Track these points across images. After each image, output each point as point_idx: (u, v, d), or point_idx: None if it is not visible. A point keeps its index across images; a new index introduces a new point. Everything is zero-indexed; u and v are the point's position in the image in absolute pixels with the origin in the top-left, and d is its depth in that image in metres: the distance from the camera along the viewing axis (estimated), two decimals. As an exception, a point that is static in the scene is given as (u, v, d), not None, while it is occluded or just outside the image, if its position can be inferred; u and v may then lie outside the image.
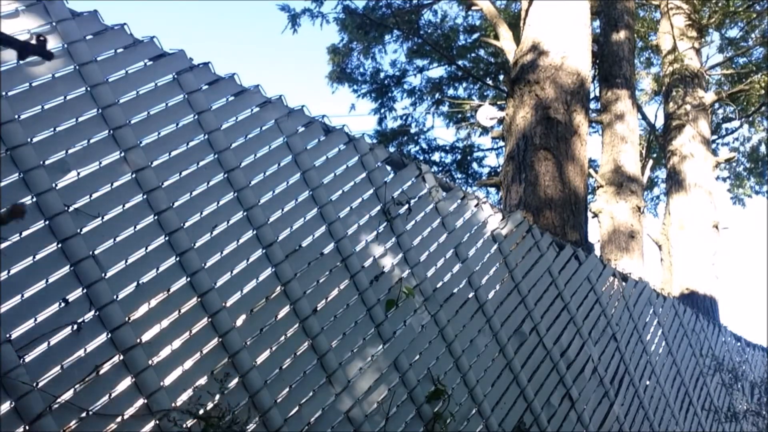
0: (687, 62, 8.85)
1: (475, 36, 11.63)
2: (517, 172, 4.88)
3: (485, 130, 11.78)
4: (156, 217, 1.89)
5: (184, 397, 1.82)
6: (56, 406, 1.59)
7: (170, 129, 2.00)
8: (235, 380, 1.93)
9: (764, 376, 5.02)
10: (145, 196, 1.89)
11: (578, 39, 5.45)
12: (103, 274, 1.74)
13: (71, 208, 1.73)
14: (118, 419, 1.68)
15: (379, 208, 2.51)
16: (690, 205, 8.13)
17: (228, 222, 2.06)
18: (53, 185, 1.71)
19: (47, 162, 1.72)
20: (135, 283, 1.81)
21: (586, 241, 4.86)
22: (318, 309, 2.20)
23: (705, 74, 9.49)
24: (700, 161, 8.40)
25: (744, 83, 10.05)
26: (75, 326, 1.67)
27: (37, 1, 1.80)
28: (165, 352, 1.82)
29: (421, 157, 11.83)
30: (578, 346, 3.17)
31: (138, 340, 1.76)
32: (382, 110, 11.91)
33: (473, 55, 12.06)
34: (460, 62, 11.68)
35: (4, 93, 1.68)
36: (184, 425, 1.79)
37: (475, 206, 2.93)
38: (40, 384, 1.58)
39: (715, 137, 11.82)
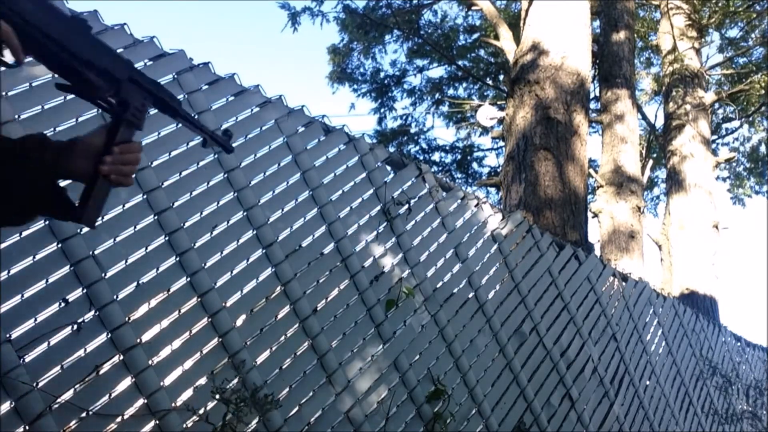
0: (687, 62, 8.85)
1: (475, 36, 11.64)
2: (517, 172, 4.88)
3: (485, 130, 11.78)
4: (156, 217, 1.89)
5: (184, 397, 1.82)
6: (56, 406, 1.59)
7: (170, 129, 2.00)
8: (235, 380, 1.93)
9: (764, 376, 5.02)
10: (145, 196, 1.89)
11: (578, 39, 5.44)
12: (103, 274, 1.74)
13: (71, 208, 1.73)
14: (118, 419, 1.68)
15: (379, 208, 2.51)
16: (690, 205, 8.13)
17: (228, 222, 2.06)
18: (53, 185, 1.71)
19: (47, 162, 1.73)
20: (135, 283, 1.81)
21: (586, 241, 4.86)
22: (318, 309, 2.20)
23: (705, 74, 9.48)
24: (700, 161, 8.40)
25: (744, 83, 10.05)
26: (75, 326, 1.67)
27: (37, 1, 1.80)
28: (165, 352, 1.82)
29: (421, 157, 11.83)
30: (578, 346, 3.17)
31: (138, 340, 1.76)
32: (382, 110, 11.91)
33: (473, 55, 12.06)
34: (460, 62, 11.68)
35: (4, 93, 1.68)
36: (185, 425, 1.79)
37: (475, 206, 2.93)
38: (40, 384, 1.58)
39: (715, 137, 11.82)
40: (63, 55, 0.83)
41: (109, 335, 1.72)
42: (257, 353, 2.01)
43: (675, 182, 8.45)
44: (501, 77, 11.47)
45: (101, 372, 1.68)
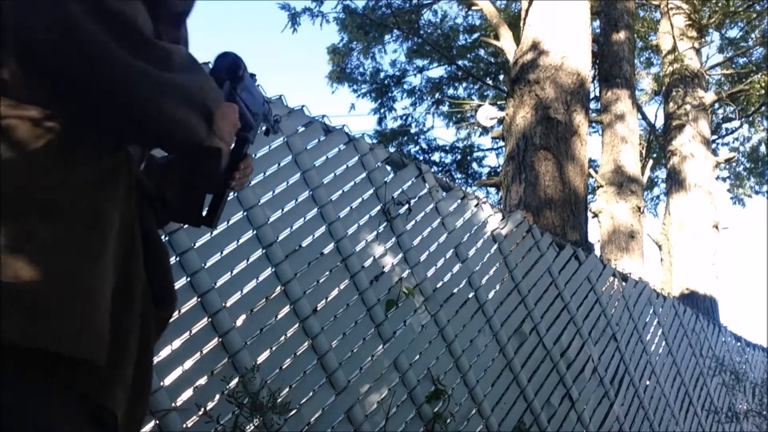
0: (687, 62, 8.85)
1: (475, 36, 11.63)
2: (517, 172, 4.88)
3: (485, 130, 11.78)
4: (156, 217, 1.89)
5: (184, 396, 1.82)
6: (56, 406, 1.59)
7: (170, 129, 2.00)
8: (235, 380, 1.93)
9: (764, 376, 5.02)
10: (145, 196, 1.89)
11: (578, 39, 5.45)
12: (103, 274, 1.74)
13: (71, 208, 1.73)
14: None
15: (379, 208, 2.51)
16: (690, 205, 8.13)
17: (228, 222, 2.06)
18: (53, 185, 1.71)
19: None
20: (135, 283, 1.81)
21: (586, 241, 4.86)
22: (318, 309, 2.20)
23: (705, 74, 9.49)
24: (700, 161, 8.40)
25: (744, 83, 10.05)
26: (75, 326, 1.66)
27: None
28: (165, 352, 1.81)
29: (421, 157, 11.83)
30: (578, 346, 3.17)
31: (138, 340, 1.76)
32: (382, 110, 11.91)
33: (473, 55, 12.06)
34: (460, 62, 11.68)
35: (4, 93, 1.68)
36: (185, 425, 1.79)
37: (475, 206, 2.93)
38: (40, 384, 1.58)
39: (715, 137, 11.82)
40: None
41: (109, 335, 1.71)
42: (257, 353, 2.01)
43: (675, 182, 8.45)
44: (501, 77, 11.47)
45: (101, 372, 1.68)
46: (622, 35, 7.70)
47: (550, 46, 5.34)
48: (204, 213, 1.01)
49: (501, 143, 10.25)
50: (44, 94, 0.72)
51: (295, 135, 2.32)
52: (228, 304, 1.97)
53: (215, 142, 0.87)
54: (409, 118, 12.18)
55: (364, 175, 2.51)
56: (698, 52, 9.37)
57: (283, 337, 2.09)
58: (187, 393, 1.83)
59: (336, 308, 2.25)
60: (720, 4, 9.52)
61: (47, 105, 0.72)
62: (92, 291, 0.71)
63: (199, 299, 1.91)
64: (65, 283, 0.69)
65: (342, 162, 2.46)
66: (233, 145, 1.00)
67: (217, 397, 1.88)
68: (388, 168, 2.65)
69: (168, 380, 1.80)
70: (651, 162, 13.21)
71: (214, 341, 1.92)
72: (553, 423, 2.89)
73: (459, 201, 2.87)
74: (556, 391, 2.96)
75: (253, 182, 2.15)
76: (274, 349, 2.05)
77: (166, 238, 1.89)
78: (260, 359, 2.01)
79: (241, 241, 2.07)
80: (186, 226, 1.94)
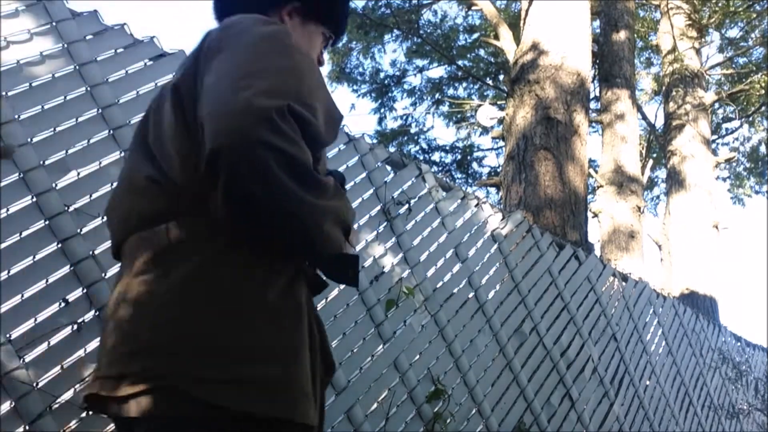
0: (687, 62, 8.85)
1: (475, 36, 11.63)
2: (517, 172, 4.88)
3: (485, 130, 11.78)
4: (156, 217, 1.89)
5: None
6: (56, 406, 1.59)
7: (170, 129, 2.00)
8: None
9: (764, 376, 5.02)
10: (145, 196, 1.88)
11: (578, 39, 5.44)
12: (103, 274, 1.74)
13: (71, 208, 1.73)
14: (118, 419, 1.68)
15: (379, 208, 2.51)
16: (690, 205, 8.13)
17: (228, 222, 2.05)
18: (53, 185, 1.71)
19: (47, 162, 1.72)
20: (135, 283, 1.81)
21: (586, 241, 4.86)
22: (318, 309, 2.20)
23: (705, 74, 9.49)
24: (700, 161, 8.40)
25: (744, 83, 10.05)
26: (75, 326, 1.66)
27: (37, 1, 1.80)
28: (165, 352, 1.81)
29: (421, 157, 11.83)
30: (578, 346, 3.17)
31: (138, 340, 1.76)
32: (382, 110, 11.91)
33: (473, 55, 12.06)
34: (460, 62, 11.68)
35: (4, 93, 1.68)
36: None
37: (475, 206, 2.93)
38: (40, 384, 1.58)
39: (715, 137, 11.82)
40: None
41: (109, 335, 1.71)
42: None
43: (675, 182, 8.45)
44: (501, 77, 11.47)
45: (101, 372, 1.68)
46: (622, 35, 7.70)
47: (550, 46, 5.34)
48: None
49: (501, 143, 10.26)
50: (236, 220, 0.95)
51: (295, 135, 2.32)
52: (228, 304, 1.97)
53: (350, 250, 1.09)
54: (409, 118, 12.18)
55: (364, 174, 2.51)
56: (698, 52, 9.37)
57: (283, 337, 2.09)
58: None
59: (336, 308, 2.25)
60: (720, 4, 9.53)
61: (240, 226, 0.97)
62: (307, 373, 0.96)
63: (199, 299, 1.91)
64: (296, 369, 0.94)
65: (342, 162, 2.46)
66: None
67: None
68: (388, 168, 2.65)
69: (168, 380, 1.80)
70: (651, 162, 13.22)
71: (214, 341, 1.92)
72: (553, 423, 2.89)
73: (459, 201, 2.87)
74: (556, 391, 2.96)
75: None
76: (274, 349, 2.05)
77: (166, 238, 1.89)
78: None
79: (241, 241, 2.06)
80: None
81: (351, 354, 2.24)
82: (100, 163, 1.83)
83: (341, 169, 2.45)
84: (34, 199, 1.68)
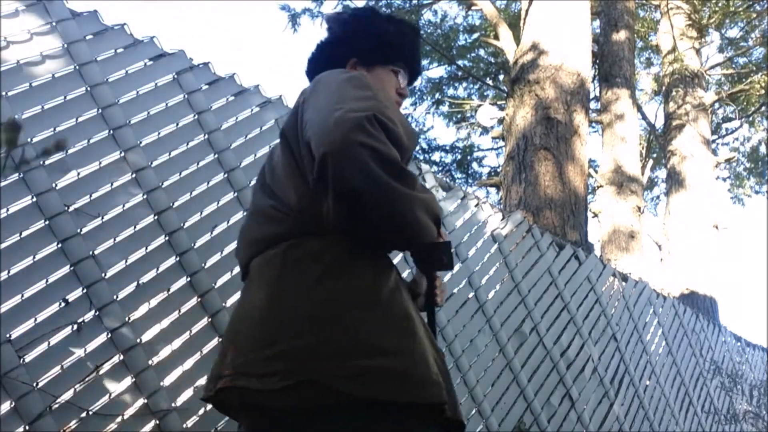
0: (687, 62, 8.85)
1: (475, 36, 11.63)
2: (517, 172, 4.88)
3: (485, 130, 11.78)
4: (156, 217, 1.89)
5: (185, 397, 1.82)
6: (56, 406, 1.59)
7: (170, 129, 2.00)
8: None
9: (764, 376, 5.02)
10: (145, 196, 1.88)
11: (578, 39, 5.44)
12: (103, 274, 1.74)
13: (71, 208, 1.73)
14: (118, 419, 1.68)
15: (379, 208, 2.50)
16: (690, 205, 8.13)
17: (228, 222, 2.06)
18: (53, 185, 1.71)
19: (47, 162, 1.72)
20: (135, 283, 1.81)
21: (586, 241, 4.86)
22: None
23: (705, 74, 9.49)
24: (700, 161, 8.40)
25: (744, 83, 10.05)
26: (75, 326, 1.67)
27: (37, 1, 1.80)
28: (165, 352, 1.81)
29: (421, 157, 11.82)
30: (578, 346, 3.17)
31: (138, 340, 1.76)
32: (383, 110, 11.87)
33: (473, 55, 12.05)
34: (460, 62, 11.67)
35: (4, 93, 1.68)
36: (185, 425, 1.79)
37: (475, 206, 2.93)
38: (40, 384, 1.58)
39: (715, 137, 11.82)
40: None
41: (109, 335, 1.72)
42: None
43: (675, 182, 8.45)
44: (501, 77, 11.47)
45: (101, 372, 1.68)
46: (622, 35, 7.70)
47: (550, 46, 5.34)
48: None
49: (501, 143, 10.25)
50: (345, 220, 1.13)
51: (295, 135, 2.32)
52: (228, 304, 1.97)
53: (444, 237, 1.30)
54: (409, 118, 12.16)
55: (364, 175, 2.50)
56: (698, 52, 9.37)
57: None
58: (187, 393, 1.83)
59: (336, 308, 2.25)
60: (720, 4, 9.53)
61: (344, 228, 1.15)
62: (426, 360, 1.10)
63: (199, 299, 1.91)
64: (422, 359, 1.09)
65: (342, 162, 2.45)
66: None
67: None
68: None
69: (168, 380, 1.80)
70: (651, 162, 13.21)
71: (214, 341, 1.92)
72: (553, 423, 2.89)
73: (459, 201, 2.87)
74: (556, 391, 2.96)
75: (253, 182, 2.15)
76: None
77: (166, 238, 1.89)
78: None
79: (241, 241, 2.06)
80: (185, 225, 1.95)
81: (351, 354, 2.24)
82: (100, 163, 1.83)
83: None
84: (34, 199, 1.68)
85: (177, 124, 2.02)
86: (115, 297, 1.75)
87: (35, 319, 1.62)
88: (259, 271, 1.21)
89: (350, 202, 1.10)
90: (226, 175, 2.09)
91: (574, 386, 3.05)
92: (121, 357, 1.72)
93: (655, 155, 13.04)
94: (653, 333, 3.89)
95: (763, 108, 10.65)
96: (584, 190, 4.96)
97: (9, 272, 1.61)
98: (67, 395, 1.62)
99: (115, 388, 1.70)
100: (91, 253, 1.73)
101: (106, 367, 1.70)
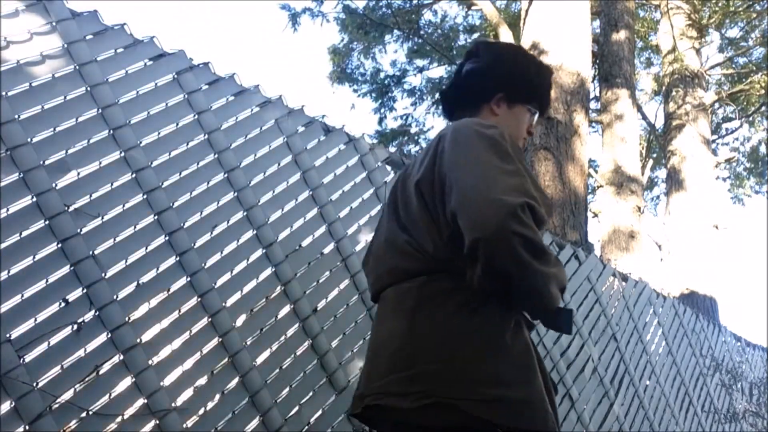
0: (687, 62, 8.85)
1: (475, 36, 11.63)
2: (517, 172, 4.87)
3: (485, 130, 11.74)
4: (156, 217, 1.89)
5: (184, 397, 1.82)
6: (56, 406, 1.59)
7: (170, 129, 2.00)
8: (236, 380, 1.92)
9: (764, 376, 5.02)
10: (145, 196, 1.88)
11: (578, 39, 5.45)
12: (103, 274, 1.74)
13: (71, 208, 1.73)
14: (118, 419, 1.68)
15: (379, 208, 2.51)
16: (690, 205, 8.13)
17: (228, 222, 2.05)
18: (53, 185, 1.71)
19: (47, 162, 1.72)
20: (135, 283, 1.81)
21: (586, 241, 4.86)
22: (318, 309, 2.20)
23: (705, 74, 9.49)
24: (700, 161, 8.40)
25: (744, 83, 10.06)
26: (75, 326, 1.66)
27: (37, 1, 1.80)
28: (165, 352, 1.81)
29: (421, 157, 11.78)
30: (578, 346, 3.17)
31: (138, 340, 1.76)
32: (382, 110, 11.90)
33: (473, 55, 12.02)
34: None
35: (4, 93, 1.68)
36: (185, 425, 1.79)
37: (475, 206, 2.92)
38: (40, 384, 1.58)
39: (715, 137, 11.82)
40: None
41: (109, 335, 1.71)
42: (257, 353, 2.00)
43: (675, 182, 8.45)
44: (501, 77, 11.43)
45: (101, 372, 1.68)
46: (622, 35, 7.70)
47: (550, 46, 5.34)
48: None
49: (501, 143, 10.22)
50: (489, 289, 1.25)
51: (295, 135, 2.32)
52: (228, 304, 1.97)
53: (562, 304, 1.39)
54: (409, 118, 12.17)
55: (364, 175, 2.51)
56: (698, 52, 9.37)
57: (283, 337, 2.09)
58: (187, 393, 1.83)
59: (336, 308, 2.25)
60: (720, 4, 9.53)
61: (486, 293, 1.27)
62: (540, 393, 1.24)
63: (199, 299, 1.91)
64: (531, 390, 1.24)
65: (342, 162, 2.46)
66: None
67: (217, 397, 1.88)
68: (388, 168, 2.65)
69: (168, 380, 1.80)
70: (651, 162, 13.22)
71: (214, 341, 1.92)
72: (553, 423, 2.89)
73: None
74: (556, 391, 2.96)
75: (252, 182, 2.15)
76: (274, 349, 2.05)
77: (166, 238, 1.89)
78: (260, 359, 2.01)
79: (241, 241, 2.06)
80: (185, 225, 1.95)
81: (351, 354, 2.24)
82: (100, 163, 1.83)
83: (341, 169, 2.45)
84: (34, 199, 1.68)
85: (177, 124, 2.02)
86: (115, 297, 1.75)
87: (35, 319, 1.62)
88: (396, 301, 1.36)
89: (500, 282, 1.22)
90: (226, 175, 2.09)
91: (574, 386, 3.05)
92: (121, 357, 1.72)
93: (655, 155, 13.05)
94: (653, 333, 3.89)
95: (763, 108, 10.65)
96: (584, 190, 4.96)
97: (9, 272, 1.61)
98: (67, 395, 1.62)
99: (115, 388, 1.70)
100: (91, 253, 1.73)
101: (106, 367, 1.70)
